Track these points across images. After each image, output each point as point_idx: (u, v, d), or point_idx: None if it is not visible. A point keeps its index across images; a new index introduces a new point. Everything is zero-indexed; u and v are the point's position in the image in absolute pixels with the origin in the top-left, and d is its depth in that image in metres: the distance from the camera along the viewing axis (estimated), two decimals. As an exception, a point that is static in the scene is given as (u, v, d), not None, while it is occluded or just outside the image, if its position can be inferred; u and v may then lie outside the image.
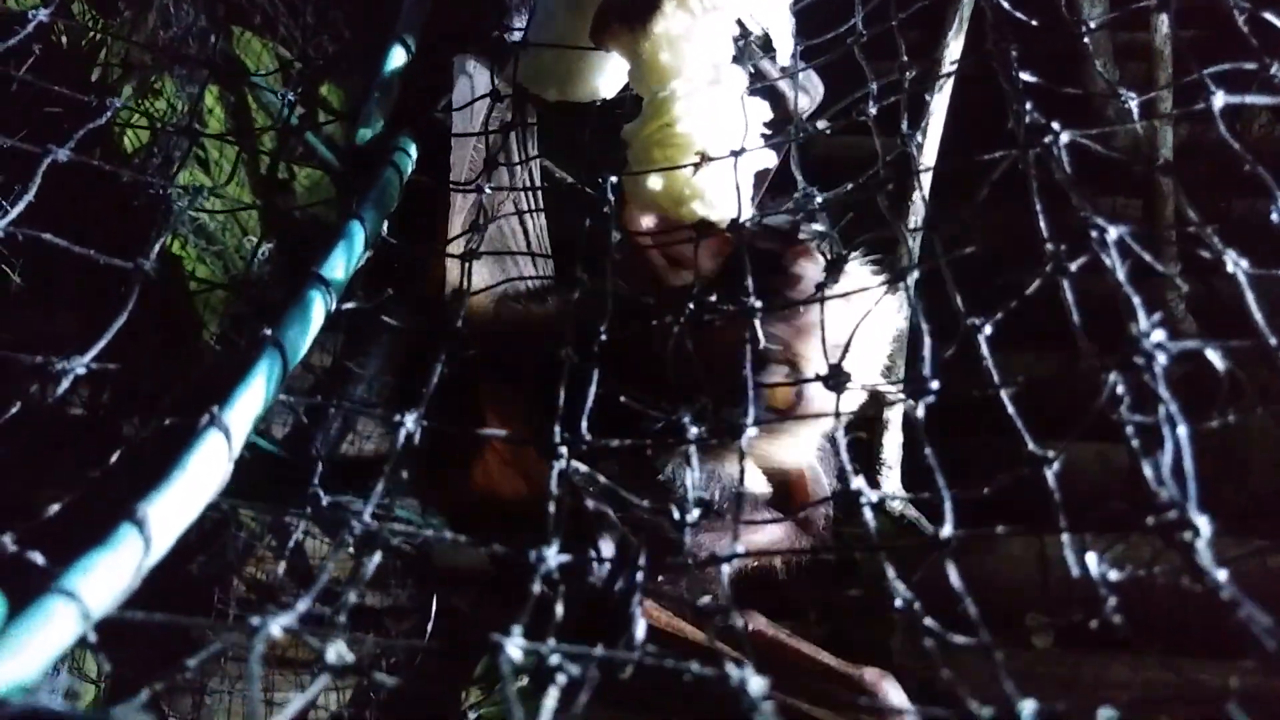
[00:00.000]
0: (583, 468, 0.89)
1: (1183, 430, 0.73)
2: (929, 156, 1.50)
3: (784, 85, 1.28)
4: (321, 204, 2.33)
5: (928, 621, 0.78)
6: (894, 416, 1.73)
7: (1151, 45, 1.94)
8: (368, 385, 2.72)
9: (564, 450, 0.90)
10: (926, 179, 1.39)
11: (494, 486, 1.27)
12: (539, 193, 1.47)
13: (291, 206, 2.19)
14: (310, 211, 2.56)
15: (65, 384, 0.89)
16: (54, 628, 0.62)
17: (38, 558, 0.73)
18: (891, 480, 1.91)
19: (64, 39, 1.79)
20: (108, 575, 0.68)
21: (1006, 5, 1.03)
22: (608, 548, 1.04)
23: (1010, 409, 0.84)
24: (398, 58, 1.32)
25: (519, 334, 1.35)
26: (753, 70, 1.25)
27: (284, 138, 1.35)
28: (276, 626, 0.69)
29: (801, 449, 1.25)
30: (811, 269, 1.16)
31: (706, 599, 0.82)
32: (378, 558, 0.83)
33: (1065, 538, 0.75)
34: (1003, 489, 0.83)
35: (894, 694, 1.30)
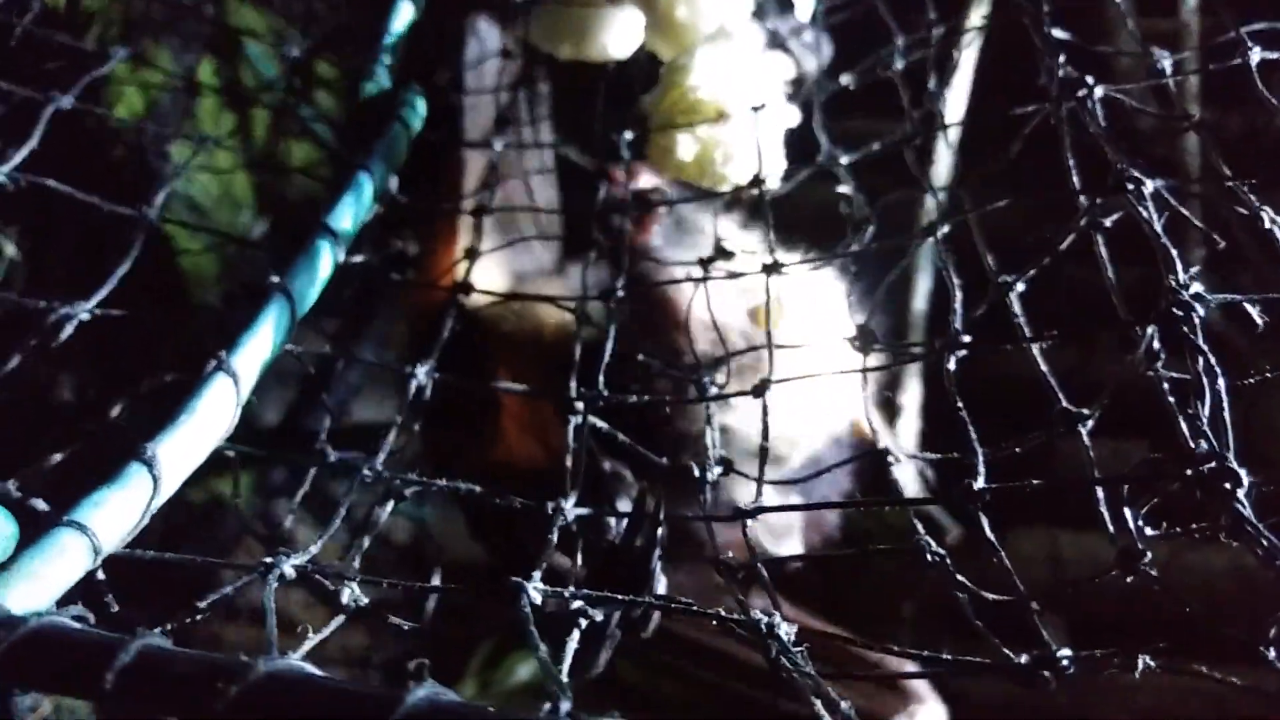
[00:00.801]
0: (602, 425, 0.87)
1: (1221, 383, 0.72)
2: (954, 118, 1.47)
3: (795, 46, 1.26)
4: (316, 175, 2.30)
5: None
6: (909, 402, 1.70)
7: (1177, 27, 1.93)
8: (364, 373, 2.68)
9: (580, 406, 0.88)
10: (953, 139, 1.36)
11: (510, 456, 1.24)
12: (546, 156, 1.43)
13: (290, 171, 2.15)
14: (305, 191, 2.53)
15: (69, 330, 0.86)
16: (65, 559, 0.60)
17: (40, 504, 0.70)
18: (906, 470, 1.88)
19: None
20: (118, 512, 0.66)
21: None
22: (624, 504, 1.02)
23: (1043, 366, 0.82)
24: (404, 14, 1.29)
25: (534, 346, 1.31)
26: (769, 29, 1.22)
27: (287, 94, 1.32)
28: (289, 566, 0.67)
29: None
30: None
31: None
32: (390, 507, 0.81)
33: (1100, 492, 0.73)
34: (1012, 491, 0.80)
35: (912, 680, 1.28)
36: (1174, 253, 0.78)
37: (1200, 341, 0.73)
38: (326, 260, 0.96)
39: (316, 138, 2.35)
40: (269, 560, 0.66)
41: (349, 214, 1.01)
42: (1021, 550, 2.18)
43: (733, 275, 1.01)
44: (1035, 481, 0.78)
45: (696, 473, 0.85)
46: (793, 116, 1.16)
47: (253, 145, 2.38)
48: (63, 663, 0.50)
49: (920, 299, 1.91)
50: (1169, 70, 0.92)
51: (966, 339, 0.83)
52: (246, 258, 2.36)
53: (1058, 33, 0.95)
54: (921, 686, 1.29)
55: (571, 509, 0.79)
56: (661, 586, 0.85)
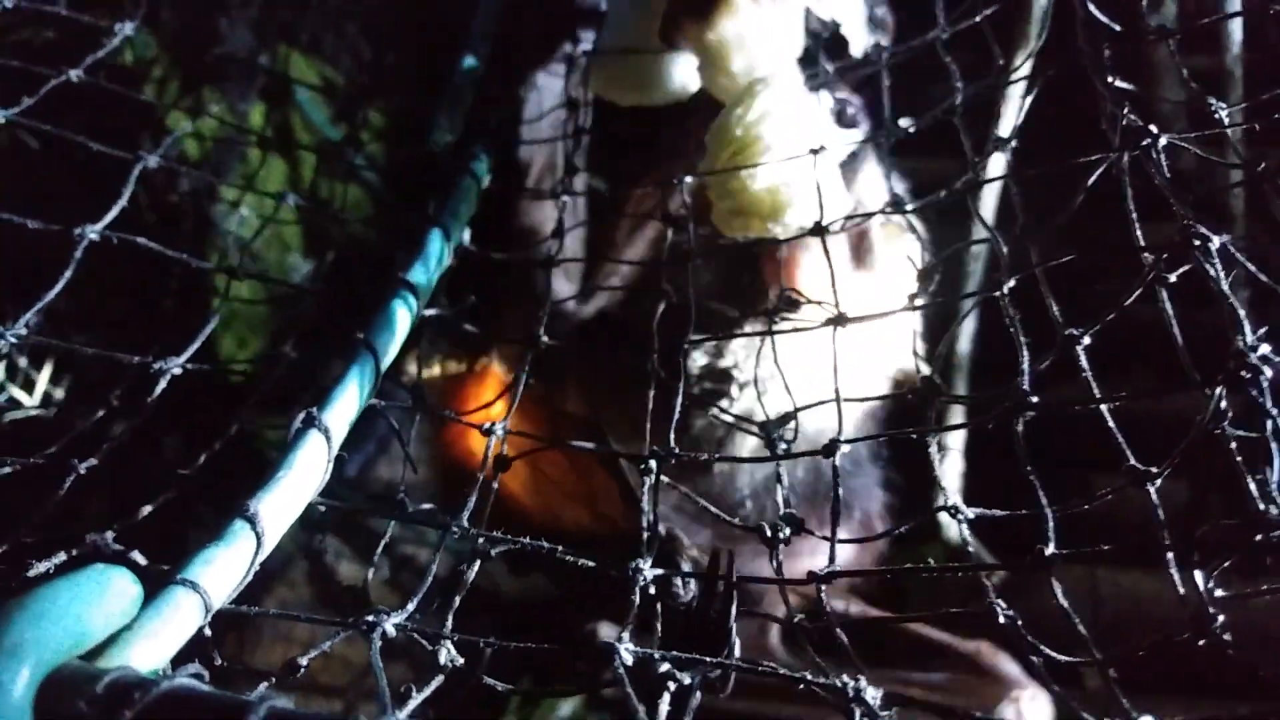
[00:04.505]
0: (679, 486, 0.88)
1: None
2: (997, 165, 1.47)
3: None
4: (373, 223, 2.33)
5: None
6: (954, 442, 1.66)
7: (1222, 66, 1.91)
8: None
9: (653, 465, 0.89)
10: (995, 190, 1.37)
11: (556, 518, 1.26)
12: (580, 181, 1.43)
13: (345, 219, 2.19)
14: (350, 231, 2.56)
15: (162, 384, 0.90)
16: (180, 617, 0.62)
17: (138, 557, 0.73)
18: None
19: (129, 56, 1.81)
20: (226, 569, 0.68)
21: (1096, 12, 1.01)
22: (685, 565, 1.03)
23: (1111, 424, 0.82)
24: (470, 67, 1.33)
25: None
26: (827, 66, 1.25)
27: (344, 144, 1.36)
28: (390, 624, 0.69)
29: None
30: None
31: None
32: (477, 566, 0.84)
33: (1170, 556, 0.74)
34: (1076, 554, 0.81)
35: (1008, 665, 1.28)
36: (1242, 313, 0.78)
37: (1269, 405, 0.74)
38: (405, 315, 0.99)
39: (368, 184, 2.39)
40: (371, 619, 0.68)
41: (425, 269, 1.04)
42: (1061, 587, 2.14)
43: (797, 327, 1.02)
44: (1106, 547, 0.79)
45: (768, 534, 0.85)
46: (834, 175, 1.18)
47: (301, 188, 2.42)
48: (194, 723, 0.52)
49: (965, 341, 1.91)
50: (1225, 119, 0.92)
51: (1035, 399, 0.83)
52: (293, 300, 2.39)
53: (1121, 83, 0.95)
54: (1015, 670, 1.28)
55: (649, 570, 0.80)
56: (738, 646, 0.86)
